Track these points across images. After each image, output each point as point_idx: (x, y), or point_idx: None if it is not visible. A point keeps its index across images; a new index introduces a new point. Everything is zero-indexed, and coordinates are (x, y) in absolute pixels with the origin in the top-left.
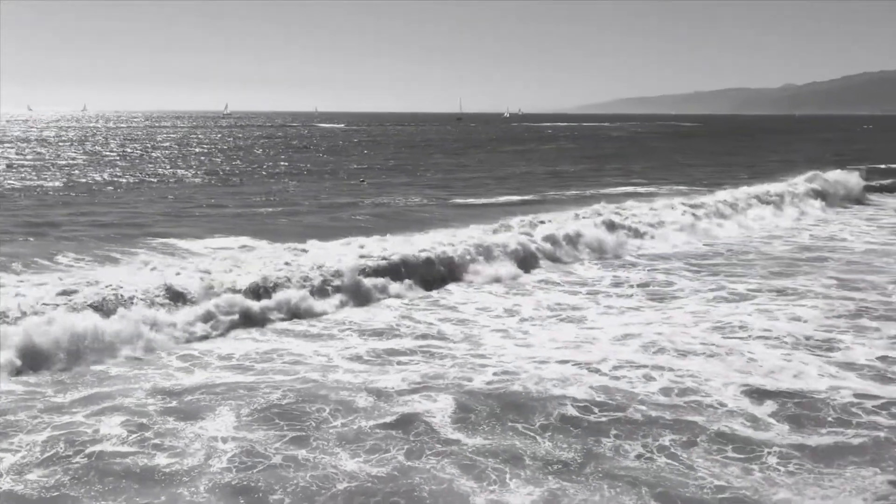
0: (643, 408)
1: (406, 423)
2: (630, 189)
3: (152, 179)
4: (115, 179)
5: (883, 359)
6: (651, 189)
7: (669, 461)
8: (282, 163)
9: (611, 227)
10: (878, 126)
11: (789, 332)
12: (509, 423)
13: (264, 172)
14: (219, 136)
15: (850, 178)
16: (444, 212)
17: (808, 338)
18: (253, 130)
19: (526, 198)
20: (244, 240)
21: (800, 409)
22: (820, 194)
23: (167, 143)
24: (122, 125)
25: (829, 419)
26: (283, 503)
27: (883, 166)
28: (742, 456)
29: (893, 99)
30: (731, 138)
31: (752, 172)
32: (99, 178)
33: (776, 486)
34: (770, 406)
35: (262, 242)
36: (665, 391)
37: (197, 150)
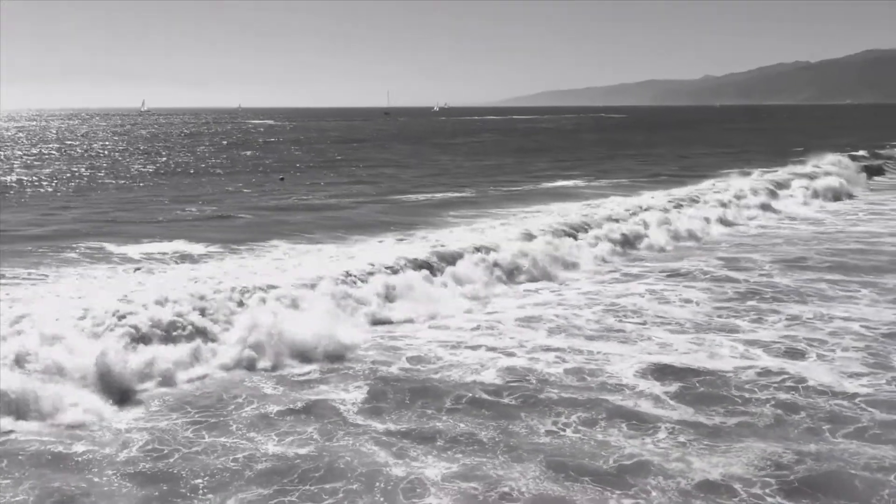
0: (554, 389)
1: (323, 406)
2: (569, 183)
3: (73, 181)
4: (35, 182)
5: (772, 337)
6: (593, 183)
7: (578, 435)
8: (207, 161)
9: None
10: (793, 115)
11: (686, 315)
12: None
13: (180, 171)
14: (139, 134)
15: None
16: (382, 209)
17: (707, 320)
18: (175, 128)
19: (464, 194)
20: (179, 244)
21: (702, 386)
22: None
23: (87, 143)
24: (33, 124)
25: (731, 395)
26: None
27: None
28: (644, 430)
29: (805, 89)
30: (660, 130)
31: (685, 164)
32: (13, 181)
33: (677, 457)
34: (673, 384)
35: (199, 246)
36: (574, 372)
37: (121, 147)
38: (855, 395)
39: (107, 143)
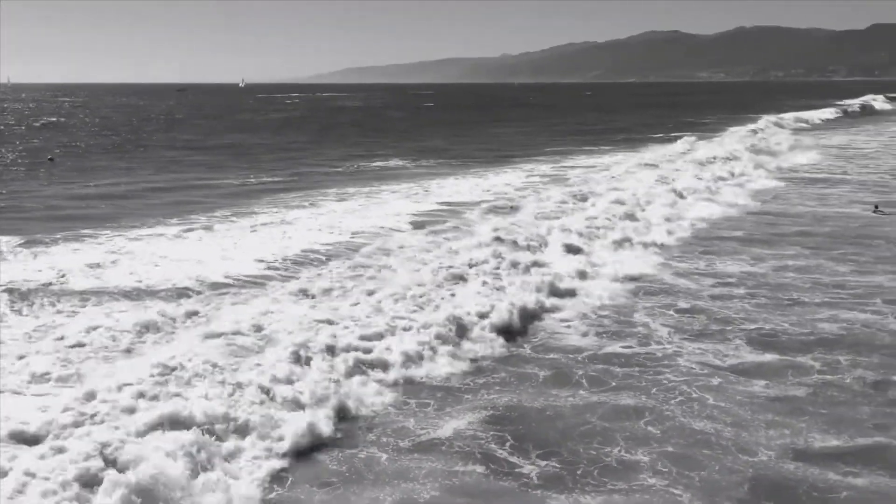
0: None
1: None
2: (391, 163)
3: None
4: None
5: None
6: (419, 162)
7: None
8: None
9: None
10: (589, 90)
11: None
12: None
13: None
14: None
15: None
16: (198, 194)
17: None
18: None
19: (278, 179)
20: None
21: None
22: None
23: None
24: None
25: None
26: None
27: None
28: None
29: (595, 67)
30: (467, 108)
31: (499, 143)
32: None
33: (414, 415)
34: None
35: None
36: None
37: None
38: (590, 350)
39: None
